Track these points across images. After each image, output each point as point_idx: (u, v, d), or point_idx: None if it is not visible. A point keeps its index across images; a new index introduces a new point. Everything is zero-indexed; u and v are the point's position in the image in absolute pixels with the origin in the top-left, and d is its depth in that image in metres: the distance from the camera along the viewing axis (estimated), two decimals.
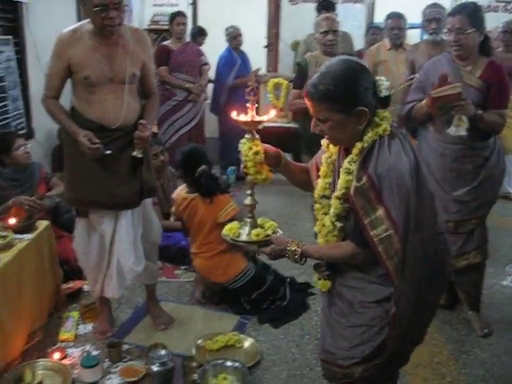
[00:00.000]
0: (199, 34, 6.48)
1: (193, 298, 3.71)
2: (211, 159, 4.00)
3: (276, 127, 7.17)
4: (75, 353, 3.07)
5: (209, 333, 3.21)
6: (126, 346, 3.13)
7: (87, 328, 3.31)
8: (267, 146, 2.11)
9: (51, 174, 4.36)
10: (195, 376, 2.80)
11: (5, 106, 4.27)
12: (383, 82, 1.88)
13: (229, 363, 2.89)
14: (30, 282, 3.09)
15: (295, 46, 7.95)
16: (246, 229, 2.08)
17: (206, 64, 6.05)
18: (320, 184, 2.07)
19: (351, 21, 7.55)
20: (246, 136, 2.03)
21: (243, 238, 2.07)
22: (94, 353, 3.01)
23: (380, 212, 1.82)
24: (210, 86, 6.61)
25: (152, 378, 2.85)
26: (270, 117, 2.07)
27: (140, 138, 2.88)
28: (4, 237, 3.01)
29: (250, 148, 2.01)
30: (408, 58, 4.39)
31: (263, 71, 7.57)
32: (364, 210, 1.85)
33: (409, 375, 2.97)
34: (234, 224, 2.14)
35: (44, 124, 4.86)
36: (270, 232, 2.08)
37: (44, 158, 4.75)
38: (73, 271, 3.72)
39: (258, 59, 7.48)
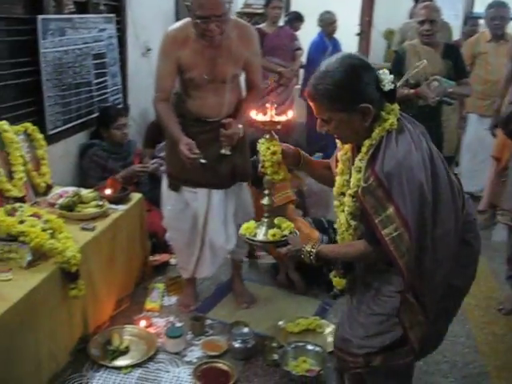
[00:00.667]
0: (296, 19, 6.46)
1: (276, 279, 3.73)
2: (298, 144, 4.04)
3: None
4: (160, 323, 3.17)
5: (290, 315, 3.23)
6: (208, 321, 3.20)
7: (172, 300, 3.41)
8: (286, 145, 2.14)
9: (144, 150, 4.51)
10: (275, 356, 2.83)
11: (105, 81, 4.41)
12: (386, 76, 1.83)
13: (310, 347, 2.89)
14: (121, 250, 3.21)
15: (388, 34, 7.80)
16: (263, 228, 2.12)
17: (299, 49, 6.02)
18: (338, 181, 2.06)
19: (448, 10, 7.29)
20: (265, 136, 2.06)
21: (260, 237, 2.12)
22: (178, 324, 3.10)
23: (390, 210, 1.78)
24: (301, 72, 6.59)
25: (233, 354, 2.91)
26: (288, 117, 2.09)
27: (226, 136, 2.90)
28: (100, 206, 3.13)
29: (267, 148, 2.06)
30: (510, 51, 4.21)
31: None
32: (374, 209, 1.82)
33: (493, 378, 2.88)
34: (251, 223, 2.18)
35: (139, 101, 5.02)
36: (286, 232, 2.11)
37: (136, 134, 4.88)
38: (160, 244, 3.83)
39: (348, 46, 7.36)
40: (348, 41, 7.36)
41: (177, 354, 2.91)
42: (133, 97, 4.94)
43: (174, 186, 3.14)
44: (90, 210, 3.09)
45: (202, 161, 2.79)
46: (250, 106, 3.05)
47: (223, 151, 2.94)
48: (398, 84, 2.98)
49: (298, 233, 2.17)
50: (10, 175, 3.13)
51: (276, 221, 2.17)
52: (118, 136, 4.03)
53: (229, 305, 3.39)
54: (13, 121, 3.30)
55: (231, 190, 3.14)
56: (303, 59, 6.41)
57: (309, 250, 2.03)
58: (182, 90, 3.04)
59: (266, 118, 2.05)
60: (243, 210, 3.22)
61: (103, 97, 4.41)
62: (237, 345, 2.89)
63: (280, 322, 3.12)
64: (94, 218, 3.07)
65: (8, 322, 2.20)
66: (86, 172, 3.93)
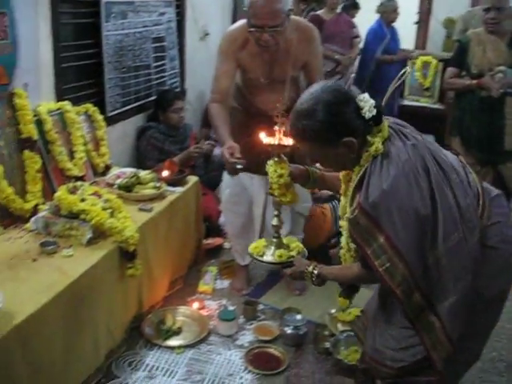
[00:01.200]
0: (352, 6, 6.36)
1: None
2: None
3: (420, 107, 6.96)
4: (212, 305, 3.20)
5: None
6: (260, 306, 3.21)
7: (224, 284, 3.43)
8: (294, 166, 2.14)
9: (200, 130, 4.54)
10: (327, 344, 2.82)
11: (163, 64, 4.45)
12: (366, 103, 1.77)
13: None
14: (176, 232, 3.25)
15: (448, 23, 7.58)
16: (272, 248, 2.16)
17: (358, 37, 5.95)
18: (342, 202, 2.04)
19: None
20: (273, 158, 2.08)
21: (267, 258, 2.16)
22: (231, 308, 3.12)
23: (381, 240, 1.72)
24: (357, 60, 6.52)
25: (284, 340, 2.91)
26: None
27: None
28: (158, 187, 3.17)
29: (275, 170, 2.07)
30: None
31: (411, 48, 7.32)
32: (365, 241, 1.76)
33: None
34: (260, 242, 2.23)
35: (195, 85, 5.07)
36: (294, 253, 2.15)
37: (192, 118, 4.92)
38: (214, 228, 3.86)
39: (407, 35, 7.24)
40: (406, 29, 7.24)
41: (229, 337, 2.94)
42: (190, 81, 4.99)
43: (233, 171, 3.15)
44: (148, 191, 3.13)
45: (239, 166, 2.74)
46: None
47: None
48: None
49: (306, 253, 2.21)
50: (71, 155, 3.20)
51: (285, 240, 2.21)
52: (175, 119, 4.07)
53: (281, 291, 3.39)
54: (75, 102, 3.37)
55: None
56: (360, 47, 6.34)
57: (311, 271, 2.06)
58: (242, 85, 3.04)
59: (275, 142, 2.07)
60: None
61: (161, 80, 4.45)
62: (289, 331, 2.89)
63: (332, 311, 3.09)
64: (152, 199, 3.11)
65: (70, 297, 2.26)
66: (144, 154, 3.98)
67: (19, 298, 2.10)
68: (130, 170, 3.35)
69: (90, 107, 3.49)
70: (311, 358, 2.84)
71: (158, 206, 3.05)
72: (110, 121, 3.78)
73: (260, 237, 3.16)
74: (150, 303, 3.05)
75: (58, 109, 3.19)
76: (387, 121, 1.85)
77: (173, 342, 2.88)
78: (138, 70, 4.11)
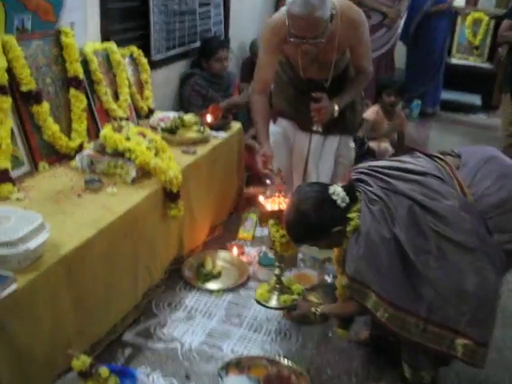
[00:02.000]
0: None
1: None
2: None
3: (468, 66, 6.76)
4: (251, 252, 3.21)
5: None
6: (300, 255, 3.19)
7: (264, 231, 3.39)
8: None
9: (240, 84, 4.49)
10: None
11: (208, 11, 4.40)
12: (338, 196, 1.99)
13: None
14: (218, 177, 3.25)
15: None
16: (276, 293, 2.57)
17: None
18: (336, 250, 2.32)
19: None
20: (275, 220, 2.39)
21: (273, 303, 2.57)
22: (271, 256, 3.11)
23: (374, 297, 1.94)
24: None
25: (323, 289, 2.90)
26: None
27: (314, 110, 2.77)
28: (202, 131, 3.15)
29: (277, 231, 2.38)
30: None
31: (462, 4, 7.06)
32: (361, 299, 1.99)
33: None
34: (264, 287, 2.61)
35: (239, 34, 4.99)
36: (295, 296, 2.55)
37: (235, 67, 4.86)
38: (254, 178, 3.83)
39: None
40: None
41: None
42: (233, 29, 4.91)
43: (276, 119, 3.11)
44: (192, 134, 3.12)
45: (268, 181, 2.79)
46: (349, 93, 2.93)
47: (314, 128, 2.87)
48: None
49: (306, 294, 2.63)
50: (116, 96, 3.20)
51: (286, 282, 2.60)
52: (217, 68, 4.03)
53: None
54: (120, 43, 3.35)
55: (331, 139, 3.08)
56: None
57: (314, 312, 2.38)
58: (287, 63, 2.98)
59: (275, 208, 2.41)
60: (344, 156, 3.16)
61: (206, 27, 4.40)
62: (329, 280, 2.89)
63: None
64: (195, 142, 3.10)
65: (113, 233, 2.28)
66: (187, 100, 3.95)
67: (65, 231, 2.13)
68: (173, 114, 3.34)
69: (135, 50, 3.48)
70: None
71: (202, 150, 3.04)
72: (154, 65, 3.76)
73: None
74: (191, 247, 3.07)
75: (104, 49, 3.18)
76: (362, 191, 2.03)
77: (212, 285, 2.90)
78: (183, 14, 4.06)
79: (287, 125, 3.08)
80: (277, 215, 2.39)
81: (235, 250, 3.13)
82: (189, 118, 3.18)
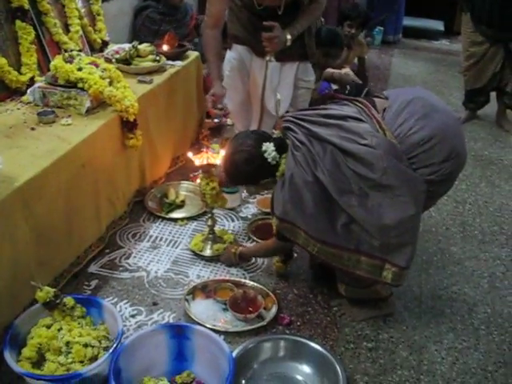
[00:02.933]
0: None
1: None
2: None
3: None
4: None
5: None
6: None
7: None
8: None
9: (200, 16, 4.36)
10: None
11: None
12: (269, 156, 2.09)
13: None
14: (177, 108, 3.19)
15: None
16: (209, 243, 2.61)
17: None
18: None
19: None
20: (204, 174, 2.47)
21: (207, 252, 2.60)
22: None
23: (303, 234, 2.06)
24: None
25: None
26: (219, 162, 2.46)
27: (266, 39, 2.69)
28: (157, 60, 3.07)
29: (207, 184, 2.48)
30: None
31: None
32: (293, 237, 2.10)
33: None
34: (198, 238, 2.65)
35: None
36: (227, 244, 2.60)
37: None
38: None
39: None
40: None
41: (232, 209, 2.96)
42: None
43: (231, 45, 3.05)
44: (147, 63, 3.04)
45: (216, 120, 2.87)
46: (307, 19, 2.85)
47: (267, 58, 2.79)
48: None
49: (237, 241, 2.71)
50: (67, 29, 3.08)
51: (218, 232, 2.66)
52: (175, 1, 3.91)
53: None
54: None
55: (288, 67, 3.02)
56: None
57: (233, 252, 2.50)
58: None
59: (203, 162, 2.47)
60: (302, 84, 3.13)
61: None
62: None
63: None
64: (151, 72, 3.03)
65: (70, 163, 2.24)
66: (138, 33, 3.85)
67: (19, 163, 2.08)
68: (128, 46, 3.23)
69: None
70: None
71: (158, 79, 2.98)
72: None
73: (260, 117, 3.11)
74: (153, 178, 3.05)
75: None
76: (289, 139, 2.12)
77: (176, 214, 2.90)
78: None
79: (243, 51, 3.01)
80: (205, 169, 2.47)
81: (198, 180, 3.10)
82: (144, 47, 3.08)
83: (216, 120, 2.88)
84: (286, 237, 2.15)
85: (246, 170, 2.16)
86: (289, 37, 2.73)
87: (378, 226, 1.99)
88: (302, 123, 2.12)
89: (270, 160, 2.11)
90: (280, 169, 2.12)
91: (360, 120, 2.07)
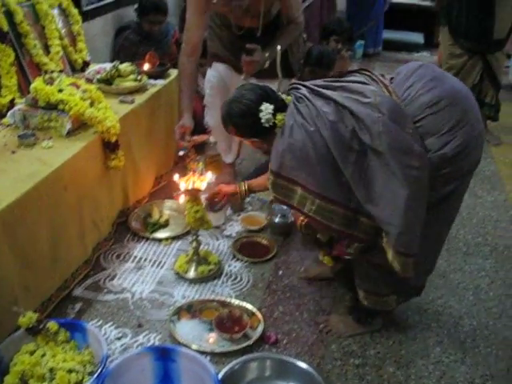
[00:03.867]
0: None
1: None
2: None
3: (410, 4, 6.77)
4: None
5: None
6: (247, 198, 3.18)
7: (211, 177, 3.39)
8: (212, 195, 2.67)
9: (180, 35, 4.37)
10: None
11: None
12: (264, 117, 2.01)
13: None
14: (159, 126, 3.19)
15: None
16: (193, 265, 2.58)
17: None
18: None
19: None
20: (189, 198, 2.49)
21: (191, 274, 2.57)
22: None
23: (299, 191, 1.95)
24: None
25: (272, 229, 2.93)
26: (207, 183, 2.57)
27: (245, 63, 2.75)
28: (139, 80, 3.07)
29: (191, 207, 2.48)
30: None
31: None
32: (287, 197, 2.00)
33: None
34: (182, 260, 2.62)
35: None
36: (212, 266, 2.60)
37: (172, 15, 4.71)
38: (198, 126, 3.77)
39: None
40: None
41: (217, 228, 2.94)
42: None
43: (211, 64, 3.07)
44: (129, 83, 3.03)
45: (181, 153, 2.84)
46: (285, 39, 2.91)
47: (243, 77, 2.82)
48: None
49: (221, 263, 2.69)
50: (47, 50, 3.08)
51: (203, 254, 2.62)
52: (147, 29, 3.93)
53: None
54: None
55: (270, 81, 3.04)
56: None
57: (243, 189, 2.58)
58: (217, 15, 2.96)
59: (188, 187, 2.49)
60: None
61: None
62: (276, 220, 2.90)
63: None
64: (133, 91, 3.02)
65: (52, 186, 2.22)
66: (118, 53, 3.86)
67: (0, 187, 2.06)
68: (110, 66, 3.23)
69: (64, 0, 3.32)
70: (299, 246, 2.86)
71: (140, 99, 2.97)
72: (87, 16, 3.63)
73: None
74: (136, 198, 3.03)
75: (29, 0, 3.03)
76: (293, 97, 2.03)
77: (160, 234, 2.89)
78: None
79: (223, 69, 3.03)
80: (191, 193, 2.48)
81: (182, 198, 3.09)
82: (125, 67, 3.08)
83: (181, 153, 2.85)
84: (280, 199, 2.05)
85: (238, 122, 2.09)
86: (266, 55, 2.77)
87: (366, 191, 1.89)
88: (307, 84, 2.05)
89: (263, 121, 2.02)
90: (279, 124, 2.01)
91: (365, 84, 1.99)
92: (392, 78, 2.05)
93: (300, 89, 2.04)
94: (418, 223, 1.89)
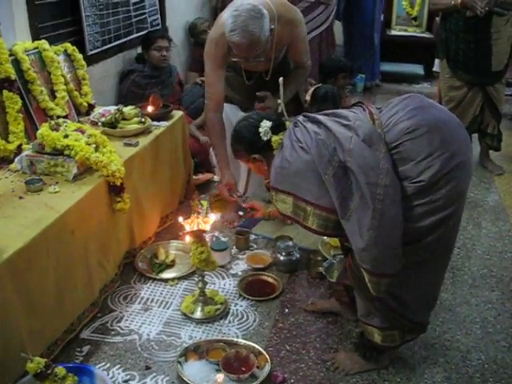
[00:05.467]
0: None
1: None
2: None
3: (408, 37, 6.85)
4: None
5: None
6: (252, 236, 3.22)
7: (216, 217, 3.41)
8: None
9: (187, 73, 4.48)
10: (320, 269, 2.84)
11: (142, 1, 4.33)
12: (263, 129, 2.20)
13: None
14: (164, 167, 3.23)
15: None
16: (200, 305, 2.60)
17: None
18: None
19: None
20: (195, 240, 2.50)
21: (197, 315, 2.59)
22: (223, 239, 3.13)
23: (309, 208, 2.03)
24: None
25: (278, 267, 2.94)
26: (210, 224, 2.58)
27: (258, 109, 2.87)
28: (143, 122, 3.13)
29: (196, 248, 2.49)
30: None
31: None
32: (296, 215, 2.08)
33: None
34: (188, 301, 2.63)
35: (176, 22, 4.94)
36: (219, 306, 2.61)
37: (175, 56, 4.81)
38: (203, 164, 3.84)
39: None
40: None
41: (222, 267, 2.96)
42: (171, 18, 4.85)
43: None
44: (133, 126, 3.09)
45: (240, 213, 3.08)
46: (296, 83, 3.02)
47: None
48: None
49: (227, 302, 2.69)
50: (53, 95, 3.15)
51: (208, 293, 2.64)
52: (156, 58, 4.02)
53: (272, 222, 3.37)
54: (52, 41, 3.28)
55: None
56: None
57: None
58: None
59: (193, 228, 2.51)
60: None
61: (141, 17, 4.34)
62: (282, 257, 2.91)
63: (324, 237, 3.10)
64: (137, 134, 3.07)
65: (59, 232, 2.25)
66: (125, 97, 3.93)
67: (8, 234, 2.10)
68: (114, 108, 3.29)
69: (69, 46, 3.40)
70: (305, 283, 2.87)
71: (144, 141, 3.02)
72: (91, 60, 3.70)
73: (248, 173, 3.17)
74: (142, 239, 3.06)
75: (35, 48, 3.11)
76: (292, 123, 2.20)
77: (166, 274, 2.91)
78: (117, 6, 3.99)
79: (229, 108, 3.09)
80: (195, 234, 2.50)
81: (188, 238, 3.12)
82: (128, 109, 3.14)
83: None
84: (280, 212, 2.15)
85: (242, 136, 2.30)
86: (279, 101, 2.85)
87: (342, 207, 1.96)
88: (305, 113, 2.21)
89: (261, 133, 2.21)
90: (275, 143, 2.19)
91: (354, 112, 2.10)
92: (380, 108, 2.13)
93: (299, 116, 2.18)
94: (386, 243, 1.92)
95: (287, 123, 2.24)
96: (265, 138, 2.21)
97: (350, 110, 2.13)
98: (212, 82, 2.88)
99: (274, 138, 2.20)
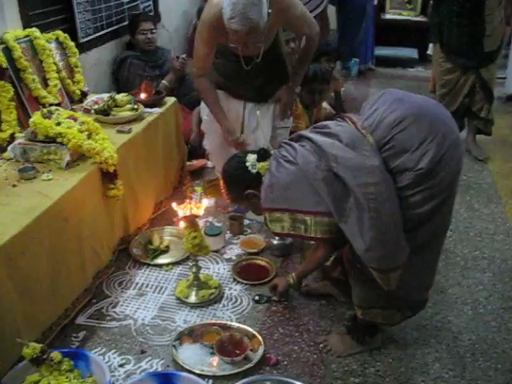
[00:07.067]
0: None
1: None
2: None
3: (402, 20, 6.85)
4: (198, 223, 3.21)
5: None
6: (246, 221, 3.24)
7: (210, 202, 3.44)
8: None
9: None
10: None
11: None
12: (250, 163, 2.30)
13: None
14: (158, 154, 3.24)
15: None
16: (194, 289, 2.63)
17: None
18: None
19: None
20: (187, 224, 2.54)
21: (192, 299, 2.61)
22: (217, 224, 3.15)
23: (308, 218, 2.08)
24: None
25: (271, 251, 2.97)
26: (203, 209, 2.61)
27: (279, 113, 3.15)
28: (135, 109, 3.14)
29: (189, 233, 2.52)
30: None
31: None
32: (295, 229, 2.13)
33: None
34: (183, 285, 2.66)
35: (169, 8, 4.92)
36: (213, 290, 2.64)
37: (169, 42, 4.81)
38: (196, 150, 3.85)
39: None
40: None
41: (216, 251, 2.99)
42: (164, 4, 4.84)
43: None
44: (125, 113, 3.10)
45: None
46: (307, 59, 3.08)
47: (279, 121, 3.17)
48: None
49: (221, 286, 2.73)
50: (45, 83, 3.15)
51: (203, 278, 2.65)
52: (142, 40, 4.03)
53: None
54: (44, 29, 3.28)
55: (267, 105, 3.15)
56: None
57: (292, 282, 2.52)
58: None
59: (186, 213, 2.53)
60: (281, 124, 3.26)
61: (133, 4, 4.34)
62: (275, 242, 2.94)
63: None
64: (130, 121, 3.09)
65: (53, 219, 2.27)
66: (126, 83, 3.94)
67: (2, 222, 2.11)
68: (107, 96, 3.30)
69: (61, 34, 3.40)
70: (298, 266, 2.89)
71: (137, 128, 3.03)
72: (83, 48, 3.70)
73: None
74: (137, 225, 3.08)
75: (26, 36, 3.10)
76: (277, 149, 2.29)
77: (161, 260, 2.93)
78: None
79: (220, 94, 3.09)
80: (188, 219, 2.53)
81: (182, 224, 3.13)
82: (121, 97, 3.15)
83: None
84: (277, 233, 2.23)
85: (233, 175, 2.39)
86: (297, 90, 3.12)
87: (338, 211, 2.00)
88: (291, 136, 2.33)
89: (249, 167, 2.29)
90: (261, 167, 2.27)
91: (339, 124, 2.13)
92: (359, 113, 2.16)
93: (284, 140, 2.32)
94: (387, 239, 1.94)
95: (272, 151, 2.31)
96: (254, 171, 2.29)
97: (331, 121, 2.18)
98: (202, 56, 2.88)
99: (261, 165, 2.28)
